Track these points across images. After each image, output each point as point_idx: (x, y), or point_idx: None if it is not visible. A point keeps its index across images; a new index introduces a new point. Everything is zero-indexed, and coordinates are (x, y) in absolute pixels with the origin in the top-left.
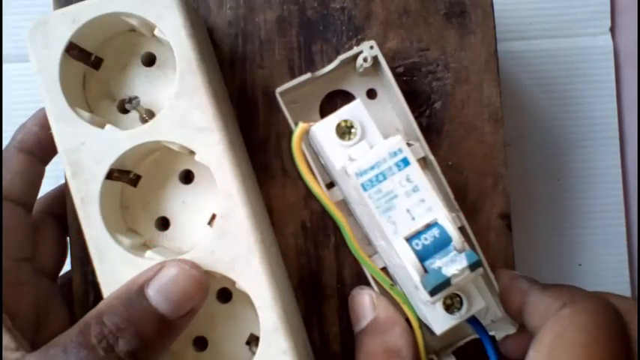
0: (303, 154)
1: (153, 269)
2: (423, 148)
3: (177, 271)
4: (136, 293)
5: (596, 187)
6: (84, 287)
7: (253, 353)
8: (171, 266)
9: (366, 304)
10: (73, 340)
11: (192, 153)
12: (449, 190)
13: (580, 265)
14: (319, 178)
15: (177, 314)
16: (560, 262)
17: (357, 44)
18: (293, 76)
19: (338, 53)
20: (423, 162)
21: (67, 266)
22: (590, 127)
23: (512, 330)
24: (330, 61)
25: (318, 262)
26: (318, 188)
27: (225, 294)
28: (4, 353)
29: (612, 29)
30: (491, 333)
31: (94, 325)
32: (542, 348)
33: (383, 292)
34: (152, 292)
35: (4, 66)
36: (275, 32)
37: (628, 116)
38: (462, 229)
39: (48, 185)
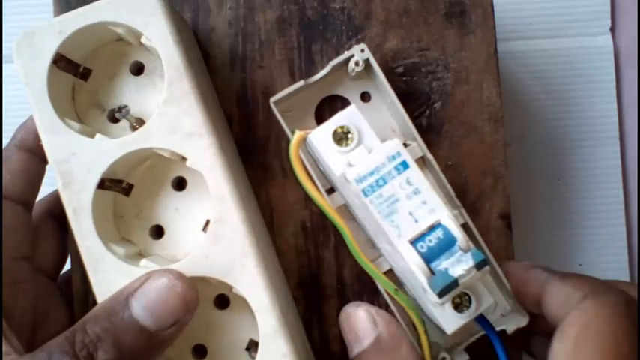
0: (302, 162)
1: (140, 279)
2: (420, 147)
3: (161, 282)
4: (121, 304)
5: (596, 187)
6: (84, 287)
7: (253, 359)
8: (157, 277)
9: (366, 321)
10: (59, 346)
11: (183, 159)
12: (449, 187)
13: (580, 265)
14: (319, 185)
15: (160, 327)
16: (560, 262)
17: (357, 44)
18: (293, 76)
19: (338, 53)
20: (422, 161)
21: (69, 264)
22: (590, 127)
23: (523, 322)
24: (330, 61)
25: (318, 262)
26: (318, 196)
27: (223, 300)
28: None
29: (612, 29)
30: (502, 326)
31: (79, 333)
32: (568, 340)
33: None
34: (136, 304)
35: (4, 66)
36: (275, 32)
37: (628, 116)
38: (465, 226)
39: (48, 186)
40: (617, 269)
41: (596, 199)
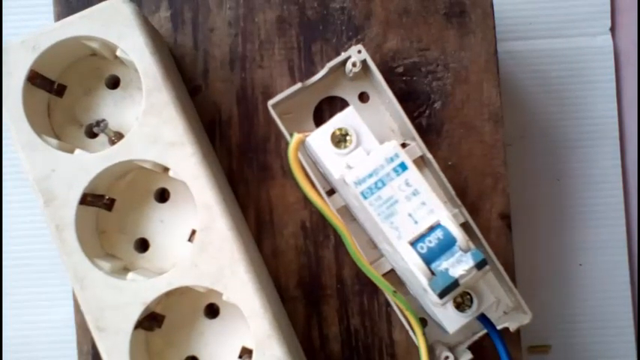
0: (301, 165)
1: None
2: (419, 146)
3: None
4: None
5: (596, 187)
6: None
7: None
8: None
9: None
10: None
11: (166, 170)
12: (449, 186)
13: (580, 265)
14: (319, 187)
15: None
16: (560, 262)
17: (357, 44)
18: (293, 76)
19: (338, 53)
20: (421, 160)
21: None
22: (590, 127)
23: (525, 320)
24: (330, 61)
25: (318, 262)
26: (317, 199)
27: (213, 310)
28: None
29: (612, 29)
30: (505, 324)
31: None
32: None
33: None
34: None
35: None
36: (275, 32)
37: (628, 116)
38: (465, 225)
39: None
40: (617, 269)
41: (596, 199)
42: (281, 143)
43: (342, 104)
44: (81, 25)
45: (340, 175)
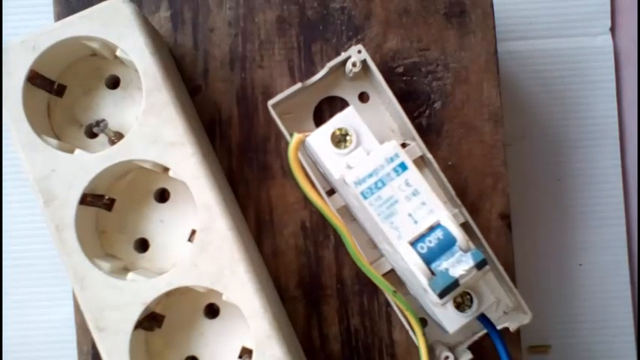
0: (301, 165)
1: None
2: (419, 146)
3: None
4: None
5: (596, 187)
6: None
7: None
8: None
9: None
10: None
11: (166, 170)
12: (449, 186)
13: (580, 265)
14: (319, 187)
15: None
16: (560, 262)
17: (357, 44)
18: (293, 76)
19: (338, 53)
20: (421, 160)
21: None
22: (590, 127)
23: (525, 320)
24: (329, 61)
25: (318, 262)
26: (317, 199)
27: (213, 310)
28: None
29: (612, 29)
30: (505, 324)
31: None
32: None
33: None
34: None
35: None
36: (275, 32)
37: (628, 116)
38: (465, 225)
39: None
40: (617, 269)
41: (596, 199)
42: (281, 143)
43: (342, 104)
44: (81, 25)
45: (340, 175)
